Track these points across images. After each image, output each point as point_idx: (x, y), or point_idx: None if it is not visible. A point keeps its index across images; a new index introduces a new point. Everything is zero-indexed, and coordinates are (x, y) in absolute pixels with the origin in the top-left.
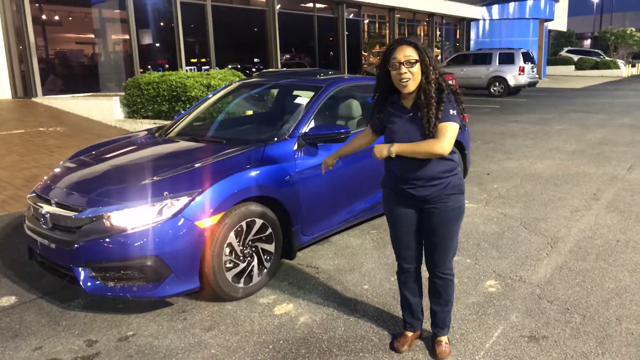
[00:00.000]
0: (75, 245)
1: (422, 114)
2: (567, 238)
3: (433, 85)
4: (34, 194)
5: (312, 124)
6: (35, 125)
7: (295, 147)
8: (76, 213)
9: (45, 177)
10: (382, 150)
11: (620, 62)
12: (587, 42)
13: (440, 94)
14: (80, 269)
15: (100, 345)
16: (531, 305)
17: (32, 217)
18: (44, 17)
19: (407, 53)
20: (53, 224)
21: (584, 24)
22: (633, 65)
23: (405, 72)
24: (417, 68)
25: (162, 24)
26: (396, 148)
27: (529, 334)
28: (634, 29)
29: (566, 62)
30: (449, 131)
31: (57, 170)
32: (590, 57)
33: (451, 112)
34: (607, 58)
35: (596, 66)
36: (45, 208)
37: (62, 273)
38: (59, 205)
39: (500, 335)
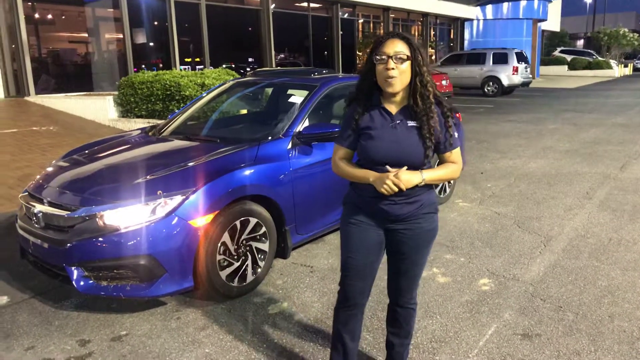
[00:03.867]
0: (68, 245)
1: (420, 123)
2: (560, 237)
3: (430, 89)
4: (26, 193)
5: (306, 123)
6: (28, 124)
7: (290, 146)
8: (69, 212)
9: (38, 176)
10: (412, 179)
11: (612, 62)
12: (580, 42)
13: (439, 105)
14: (73, 268)
15: (93, 345)
16: (524, 303)
17: (25, 217)
18: (36, 15)
19: (398, 48)
20: (45, 223)
21: (577, 24)
22: (625, 66)
23: (393, 68)
24: (406, 66)
25: (156, 23)
26: (429, 176)
27: (522, 332)
28: (626, 30)
29: (559, 62)
30: (460, 156)
31: (50, 169)
32: (583, 57)
33: (456, 135)
34: (599, 58)
35: (589, 66)
36: (38, 207)
37: (55, 272)
38: (51, 204)
39: (493, 333)
